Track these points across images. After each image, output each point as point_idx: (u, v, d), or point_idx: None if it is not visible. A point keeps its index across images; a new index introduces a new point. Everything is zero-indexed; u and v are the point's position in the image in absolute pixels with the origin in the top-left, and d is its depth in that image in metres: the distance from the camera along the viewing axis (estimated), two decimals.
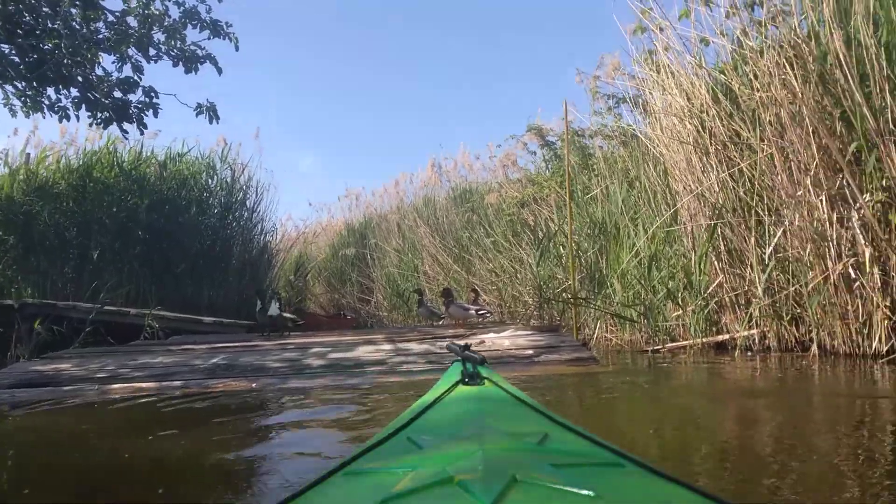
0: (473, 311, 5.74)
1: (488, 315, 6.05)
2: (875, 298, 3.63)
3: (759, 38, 4.16)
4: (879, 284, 3.62)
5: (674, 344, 4.63)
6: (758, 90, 4.10)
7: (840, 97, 3.67)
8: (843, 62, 3.60)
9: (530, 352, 3.86)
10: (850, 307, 3.74)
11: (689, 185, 4.67)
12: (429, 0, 32.06)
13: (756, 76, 4.13)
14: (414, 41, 31.70)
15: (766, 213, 4.15)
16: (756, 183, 4.20)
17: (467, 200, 9.72)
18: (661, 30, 4.86)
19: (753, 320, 4.28)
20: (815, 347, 3.87)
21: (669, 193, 5.08)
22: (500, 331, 4.72)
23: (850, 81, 3.57)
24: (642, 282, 4.93)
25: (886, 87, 3.49)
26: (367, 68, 32.13)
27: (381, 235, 11.18)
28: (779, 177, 3.98)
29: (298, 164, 27.88)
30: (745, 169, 4.25)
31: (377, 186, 13.06)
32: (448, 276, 8.91)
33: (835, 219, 3.72)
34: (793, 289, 3.99)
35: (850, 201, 3.68)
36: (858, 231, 3.67)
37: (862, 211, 3.63)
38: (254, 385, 3.34)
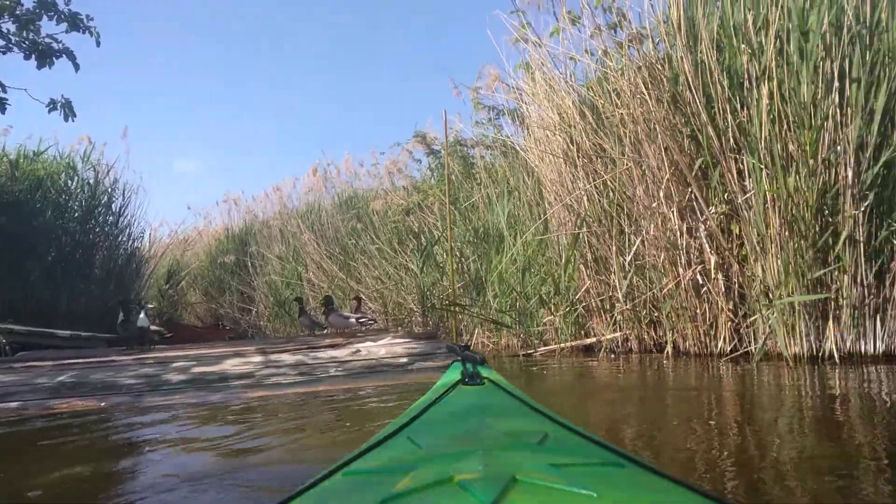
0: (354, 320, 5.67)
1: (371, 323, 6.00)
2: (720, 302, 3.96)
3: (620, 59, 4.43)
4: (723, 289, 3.96)
5: (546, 348, 4.81)
6: (618, 107, 4.37)
7: (689, 117, 3.98)
8: (691, 85, 3.92)
9: (405, 360, 3.86)
10: (698, 311, 4.06)
11: (559, 196, 4.88)
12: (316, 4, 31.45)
13: (618, 94, 4.40)
14: (298, 43, 30.98)
15: (627, 222, 4.41)
16: (618, 194, 4.46)
17: (353, 207, 9.60)
18: (536, 45, 5.06)
19: (617, 324, 4.54)
20: (669, 348, 4.16)
21: (543, 203, 5.28)
22: (378, 339, 4.69)
23: (697, 103, 3.89)
24: (517, 288, 5.08)
25: (728, 109, 3.83)
26: (252, 72, 30.98)
27: (263, 242, 10.78)
28: (636, 189, 4.26)
29: (174, 167, 26.37)
30: (608, 181, 4.51)
31: (258, 192, 12.61)
32: (332, 283, 8.75)
33: (685, 229, 4.03)
34: (650, 294, 4.27)
35: (698, 213, 4.00)
36: (705, 240, 4.00)
37: (708, 222, 3.96)
38: (102, 404, 3.08)
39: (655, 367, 3.89)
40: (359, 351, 4.16)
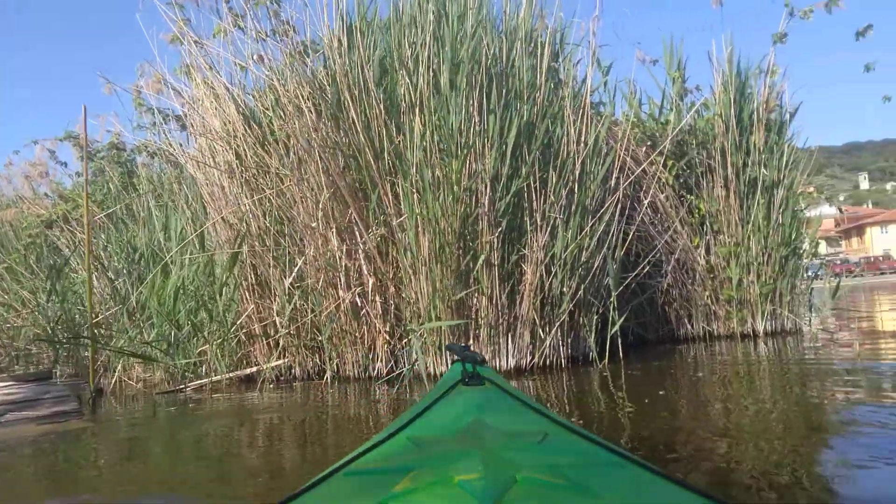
0: None
1: None
2: (377, 325, 3.94)
3: (285, 70, 4.20)
4: (381, 312, 3.95)
5: (198, 382, 4.27)
6: (283, 120, 4.13)
7: (350, 137, 3.92)
8: (353, 106, 3.87)
9: None
10: (357, 334, 3.99)
11: (219, 211, 4.43)
12: None
13: (282, 107, 4.16)
14: None
15: (290, 242, 4.17)
16: (282, 213, 4.20)
17: None
18: (197, 44, 4.56)
19: (280, 350, 4.24)
20: (328, 373, 4.00)
21: (208, 219, 4.75)
22: None
23: (357, 124, 3.85)
24: (169, 316, 4.44)
25: (384, 133, 3.86)
26: None
27: None
28: (298, 207, 4.05)
29: None
30: (272, 198, 4.22)
31: None
32: None
33: (345, 250, 3.93)
34: (311, 317, 4.07)
35: (357, 234, 3.95)
36: (364, 262, 3.95)
37: (367, 244, 3.93)
38: None
39: (316, 394, 3.67)
40: None
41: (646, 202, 5.05)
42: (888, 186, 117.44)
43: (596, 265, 4.01)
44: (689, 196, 5.26)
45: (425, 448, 0.80)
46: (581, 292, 3.90)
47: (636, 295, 5.15)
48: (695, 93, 5.31)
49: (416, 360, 3.55)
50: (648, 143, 5.21)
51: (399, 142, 3.82)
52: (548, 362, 3.84)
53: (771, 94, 5.21)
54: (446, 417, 0.99)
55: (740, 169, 5.10)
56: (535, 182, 3.76)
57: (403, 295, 3.87)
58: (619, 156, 4.29)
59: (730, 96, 5.10)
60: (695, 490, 0.64)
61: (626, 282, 4.47)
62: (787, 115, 5.20)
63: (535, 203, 3.77)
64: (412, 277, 3.76)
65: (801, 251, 5.28)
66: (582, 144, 3.92)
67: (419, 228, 3.69)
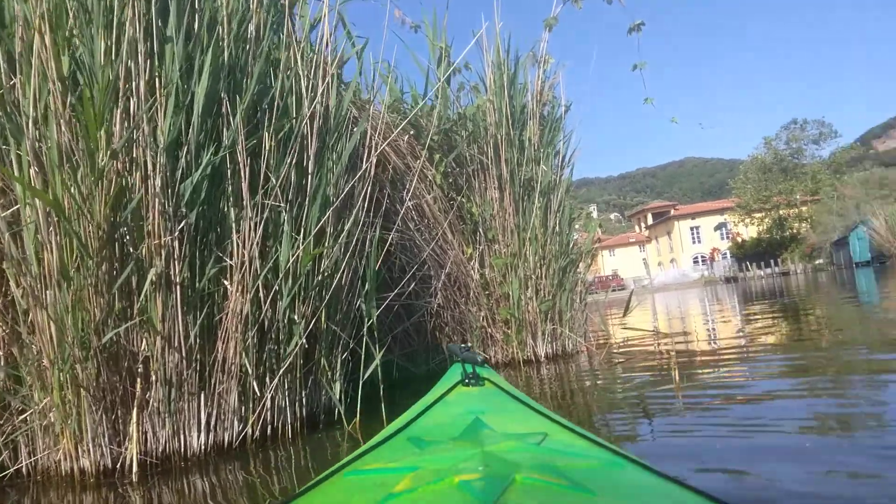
0: None
1: None
2: None
3: None
4: None
5: None
6: None
7: None
8: None
9: None
10: None
11: None
12: None
13: None
14: None
15: None
16: None
17: None
18: None
19: None
20: None
21: None
22: None
23: None
24: None
25: None
26: None
27: None
28: None
29: None
30: None
31: None
32: None
33: None
34: None
35: None
36: None
37: None
38: None
39: None
40: None
41: (409, 202, 4.05)
42: (612, 216, 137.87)
43: (344, 282, 2.84)
44: (459, 198, 4.40)
45: (425, 448, 0.79)
46: (322, 321, 2.69)
47: (401, 319, 4.10)
48: (465, 73, 4.49)
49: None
50: (412, 133, 4.24)
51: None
52: (269, 431, 2.53)
53: (545, 85, 4.61)
54: (446, 417, 0.98)
55: (515, 168, 4.38)
56: (244, 155, 2.46)
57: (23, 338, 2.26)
58: (371, 135, 3.19)
59: (502, 82, 4.37)
60: (695, 490, 0.61)
61: (386, 302, 3.37)
62: (563, 110, 4.64)
63: (243, 185, 2.47)
64: (33, 307, 2.19)
65: (579, 261, 4.73)
66: (320, 106, 2.73)
67: (43, 227, 2.16)
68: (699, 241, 57.90)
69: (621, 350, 4.54)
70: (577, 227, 4.97)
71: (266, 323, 2.50)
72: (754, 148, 49.65)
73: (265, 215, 2.50)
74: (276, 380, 2.48)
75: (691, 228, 58.66)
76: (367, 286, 2.79)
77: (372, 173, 2.96)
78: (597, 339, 5.03)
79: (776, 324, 5.35)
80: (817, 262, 36.70)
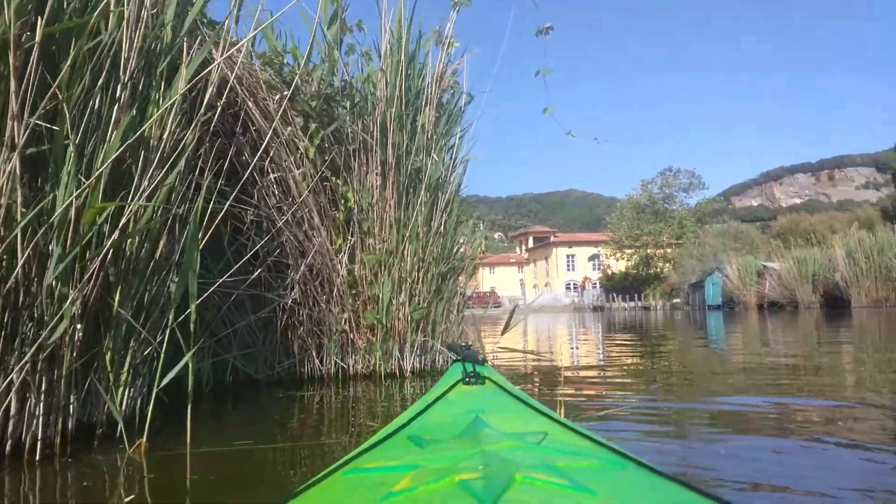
0: None
1: None
2: None
3: None
4: None
5: None
6: None
7: None
8: None
9: None
10: None
11: None
12: None
13: None
14: None
15: None
16: None
17: None
18: None
19: None
20: None
21: None
22: None
23: None
24: None
25: None
26: None
27: None
28: None
29: None
30: None
31: None
32: None
33: None
34: None
35: None
36: None
37: None
38: None
39: None
40: None
41: (272, 175, 3.40)
42: (496, 236, 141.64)
43: (160, 255, 2.15)
44: (334, 180, 3.79)
45: (425, 447, 0.80)
46: (115, 303, 1.98)
47: (243, 312, 3.42)
48: (357, 35, 3.89)
49: None
50: (285, 94, 3.57)
51: None
52: (9, 447, 1.78)
53: (447, 69, 4.13)
54: (446, 417, 0.98)
55: (403, 155, 3.84)
56: (15, 54, 1.72)
57: None
58: (226, 76, 2.52)
59: (399, 56, 3.83)
60: (696, 490, 0.61)
61: (214, 289, 2.71)
62: (464, 99, 4.18)
63: (11, 97, 1.73)
64: None
65: (461, 270, 4.28)
66: (146, 12, 2.03)
67: None
68: (573, 269, 60.58)
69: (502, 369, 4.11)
70: (461, 238, 4.50)
71: (21, 294, 1.76)
72: (632, 188, 52.82)
73: (49, 146, 1.78)
74: (22, 375, 1.74)
75: (567, 256, 61.29)
76: (191, 258, 2.11)
77: (215, 117, 2.29)
78: None
79: (634, 357, 5.21)
80: (675, 300, 39.26)
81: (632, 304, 41.86)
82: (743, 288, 28.52)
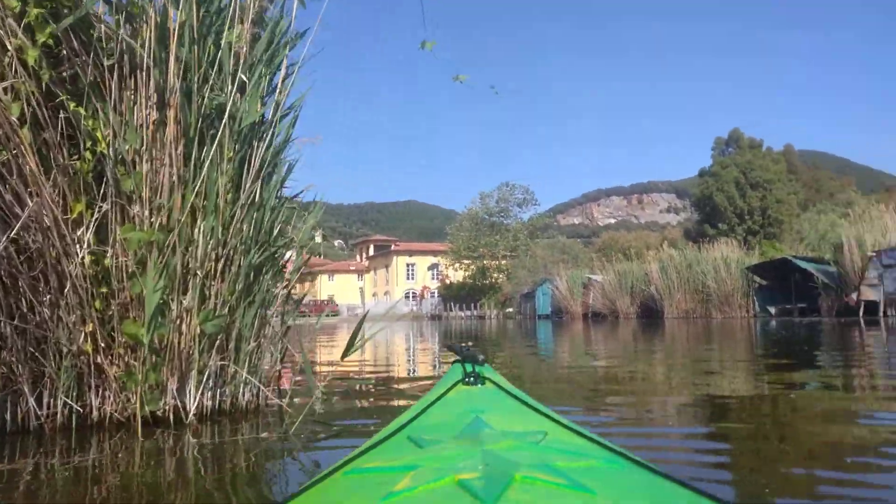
0: None
1: None
2: None
3: None
4: None
5: None
6: None
7: None
8: None
9: None
10: None
11: None
12: None
13: None
14: None
15: None
16: None
17: None
18: None
19: None
20: None
21: None
22: None
23: None
24: None
25: None
26: None
27: None
28: None
29: None
30: None
31: None
32: None
33: None
34: None
35: None
36: None
37: None
38: None
39: None
40: None
41: None
42: (336, 243, 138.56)
43: None
44: (76, 107, 2.35)
45: (425, 447, 0.79)
46: None
47: None
48: None
49: None
50: None
51: None
52: None
53: None
54: (446, 417, 0.97)
55: (198, 83, 2.52)
56: None
57: None
58: None
59: None
60: (695, 490, 0.62)
61: None
62: (293, 16, 2.93)
63: None
64: None
65: (284, 262, 3.02)
66: None
67: None
68: (413, 278, 60.44)
69: (338, 403, 2.92)
70: (287, 217, 3.22)
71: None
72: (471, 201, 54.09)
73: None
74: None
75: (408, 265, 61.05)
76: None
77: None
78: (296, 384, 3.30)
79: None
80: (508, 310, 40.33)
81: (468, 312, 42.35)
82: (570, 298, 29.76)
